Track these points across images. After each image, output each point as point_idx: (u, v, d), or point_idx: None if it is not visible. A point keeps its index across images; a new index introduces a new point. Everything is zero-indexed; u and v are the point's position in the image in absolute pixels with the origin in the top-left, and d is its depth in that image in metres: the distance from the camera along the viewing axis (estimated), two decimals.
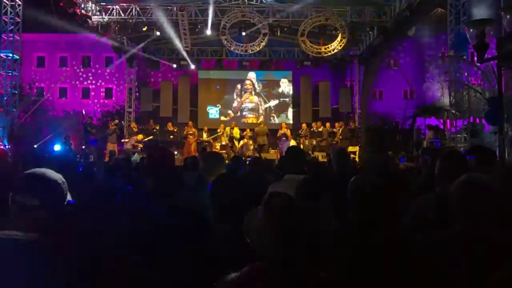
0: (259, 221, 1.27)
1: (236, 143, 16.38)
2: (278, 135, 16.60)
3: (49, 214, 1.70)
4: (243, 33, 15.60)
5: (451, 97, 12.59)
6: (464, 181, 2.09)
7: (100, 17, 15.01)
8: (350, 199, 2.14)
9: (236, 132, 16.77)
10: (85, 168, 4.12)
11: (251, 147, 16.27)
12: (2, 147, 12.28)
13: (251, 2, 15.77)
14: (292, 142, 15.68)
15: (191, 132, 16.37)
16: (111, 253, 1.75)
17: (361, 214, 2.05)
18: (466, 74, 12.53)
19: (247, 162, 6.15)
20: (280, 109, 20.49)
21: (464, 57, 12.34)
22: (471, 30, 7.17)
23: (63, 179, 1.80)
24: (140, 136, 16.18)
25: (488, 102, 7.96)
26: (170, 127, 17.30)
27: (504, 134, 8.53)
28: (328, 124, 16.88)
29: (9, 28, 13.75)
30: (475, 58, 11.48)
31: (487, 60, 7.92)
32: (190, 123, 17.17)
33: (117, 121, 17.12)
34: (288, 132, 16.43)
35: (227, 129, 16.93)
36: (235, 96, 20.42)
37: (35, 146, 14.73)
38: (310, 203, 2.68)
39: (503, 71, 7.97)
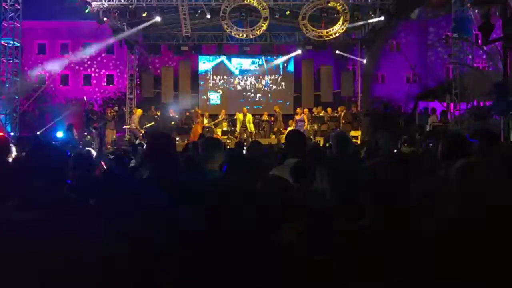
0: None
1: (249, 126, 16.21)
2: (294, 120, 16.34)
3: None
4: (244, 17, 15.39)
5: (455, 80, 12.46)
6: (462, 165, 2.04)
7: (100, 3, 14.82)
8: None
9: (249, 118, 16.49)
10: (81, 155, 4.10)
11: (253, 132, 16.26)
12: (4, 133, 12.28)
13: None
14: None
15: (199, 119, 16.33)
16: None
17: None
18: (470, 56, 12.36)
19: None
20: (282, 94, 20.35)
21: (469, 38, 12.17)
22: (476, 11, 7.04)
23: None
24: (139, 111, 16.12)
25: (494, 88, 7.80)
26: (171, 113, 17.25)
27: (509, 117, 8.43)
28: (329, 109, 16.71)
29: (9, 16, 13.65)
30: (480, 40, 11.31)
31: (492, 41, 7.80)
32: (199, 110, 17.10)
33: (116, 107, 17.05)
34: (305, 117, 16.10)
35: (240, 115, 16.67)
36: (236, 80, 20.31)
37: (38, 133, 14.74)
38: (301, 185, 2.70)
39: (509, 52, 7.84)
